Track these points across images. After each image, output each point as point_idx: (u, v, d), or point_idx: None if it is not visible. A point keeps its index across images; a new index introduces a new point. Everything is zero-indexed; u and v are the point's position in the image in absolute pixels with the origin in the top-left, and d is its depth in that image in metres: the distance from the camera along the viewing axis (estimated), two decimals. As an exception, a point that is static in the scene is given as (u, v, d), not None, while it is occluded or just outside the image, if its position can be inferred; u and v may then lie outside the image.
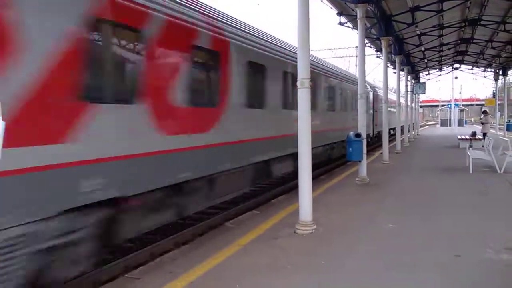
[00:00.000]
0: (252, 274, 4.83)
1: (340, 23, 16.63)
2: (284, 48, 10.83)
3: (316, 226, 6.45)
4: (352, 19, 16.17)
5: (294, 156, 7.34)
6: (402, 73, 25.56)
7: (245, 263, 5.18)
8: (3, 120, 2.66)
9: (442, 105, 65.76)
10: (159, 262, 5.71)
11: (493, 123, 33.14)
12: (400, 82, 22.77)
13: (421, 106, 58.03)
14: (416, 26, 18.28)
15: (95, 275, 5.43)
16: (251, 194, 9.86)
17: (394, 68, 22.94)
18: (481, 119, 22.32)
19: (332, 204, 8.54)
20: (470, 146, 17.28)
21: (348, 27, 17.33)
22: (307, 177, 6.49)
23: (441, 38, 21.89)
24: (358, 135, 10.81)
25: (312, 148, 6.67)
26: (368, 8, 12.92)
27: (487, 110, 23.95)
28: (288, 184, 11.35)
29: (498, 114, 38.71)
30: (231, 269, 4.99)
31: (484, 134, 19.92)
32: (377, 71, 51.63)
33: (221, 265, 5.13)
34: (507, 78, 35.39)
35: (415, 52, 24.85)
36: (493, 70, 35.22)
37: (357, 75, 14.04)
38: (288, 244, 5.87)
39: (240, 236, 6.32)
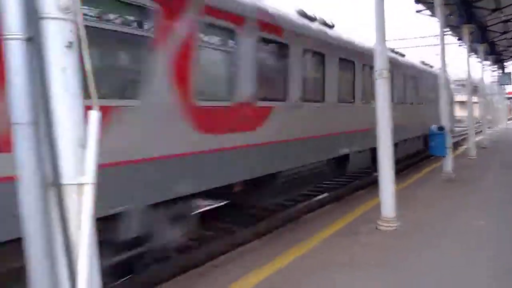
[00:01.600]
0: (333, 268, 4.70)
1: (418, 11, 15.83)
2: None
3: (400, 223, 6.15)
4: (430, 6, 15.29)
5: None
6: (486, 62, 23.76)
7: (326, 258, 5.07)
8: None
9: (533, 97, 60.07)
10: (240, 252, 5.80)
11: None
12: (484, 72, 21.16)
13: (508, 98, 53.35)
14: (501, 12, 16.81)
15: (178, 261, 5.60)
16: (328, 188, 9.73)
17: (477, 57, 21.39)
18: None
19: (416, 199, 8.13)
20: None
21: (426, 14, 16.45)
22: (389, 171, 6.22)
23: (531, 23, 19.97)
24: (441, 128, 10.18)
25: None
26: (448, -6, 12.13)
27: None
28: (365, 179, 11.04)
29: None
30: (312, 263, 4.91)
31: None
32: (458, 61, 48.37)
33: (301, 258, 5.08)
34: None
35: (499, 40, 22.92)
36: None
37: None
38: (370, 240, 5.66)
39: (320, 230, 6.22)
